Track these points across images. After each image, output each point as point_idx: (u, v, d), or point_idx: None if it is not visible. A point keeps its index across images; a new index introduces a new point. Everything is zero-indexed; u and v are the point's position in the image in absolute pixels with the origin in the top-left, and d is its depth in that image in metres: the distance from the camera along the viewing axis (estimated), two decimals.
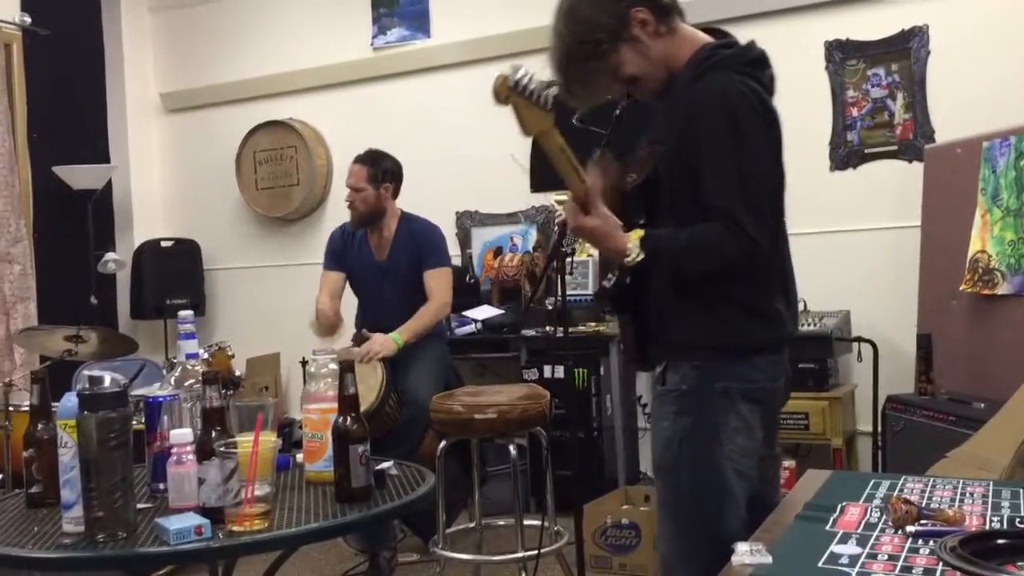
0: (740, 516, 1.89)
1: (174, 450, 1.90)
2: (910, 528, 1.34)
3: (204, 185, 6.10)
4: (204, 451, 1.86)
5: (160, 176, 6.29)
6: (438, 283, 3.91)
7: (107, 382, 1.80)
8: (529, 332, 4.65)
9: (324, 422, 2.10)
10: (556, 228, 4.87)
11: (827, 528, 1.41)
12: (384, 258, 3.99)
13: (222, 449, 1.80)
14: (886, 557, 1.26)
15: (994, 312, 3.44)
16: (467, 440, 3.48)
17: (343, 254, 4.06)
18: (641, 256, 1.85)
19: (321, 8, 5.68)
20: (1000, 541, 1.24)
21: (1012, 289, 3.34)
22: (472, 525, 3.70)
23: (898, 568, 1.22)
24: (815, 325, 4.01)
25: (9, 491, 3.16)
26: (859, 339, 4.03)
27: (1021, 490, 1.56)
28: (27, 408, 2.69)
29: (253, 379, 5.14)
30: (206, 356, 2.98)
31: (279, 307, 5.74)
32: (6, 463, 3.42)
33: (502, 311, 4.76)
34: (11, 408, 3.48)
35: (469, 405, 3.27)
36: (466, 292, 4.86)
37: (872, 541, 1.33)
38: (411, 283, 3.93)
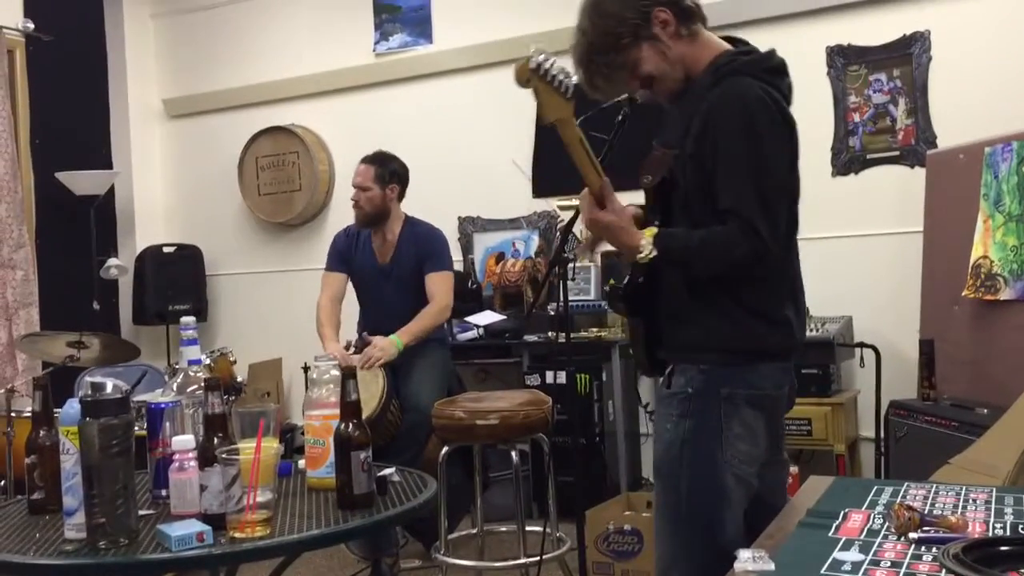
0: (738, 521, 1.89)
1: (176, 456, 1.90)
2: (913, 535, 1.34)
3: (206, 191, 6.11)
4: (206, 457, 1.86)
5: (162, 182, 6.30)
6: (439, 287, 3.92)
7: (109, 388, 1.80)
8: (531, 338, 4.64)
9: (326, 428, 2.10)
10: (558, 233, 4.89)
11: (830, 535, 1.40)
12: (387, 261, 4.00)
13: (224, 456, 1.80)
14: (889, 564, 1.26)
15: (996, 318, 3.43)
16: (469, 446, 3.48)
17: (346, 256, 4.07)
18: (654, 253, 1.86)
19: (323, 14, 5.69)
20: (1003, 548, 1.24)
21: (1014, 295, 3.34)
22: (474, 531, 3.70)
23: (901, 575, 1.22)
24: (817, 331, 4.00)
25: (11, 497, 3.16)
26: (862, 345, 4.03)
27: None
28: (29, 414, 2.69)
29: (255, 385, 5.15)
30: (208, 362, 2.98)
31: (281, 313, 5.75)
32: (8, 469, 3.42)
33: (504, 316, 4.76)
34: (13, 414, 3.48)
35: (471, 411, 3.27)
36: (468, 297, 4.86)
37: (875, 548, 1.33)
38: (413, 286, 3.93)
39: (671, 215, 1.96)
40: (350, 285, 4.10)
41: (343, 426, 2.00)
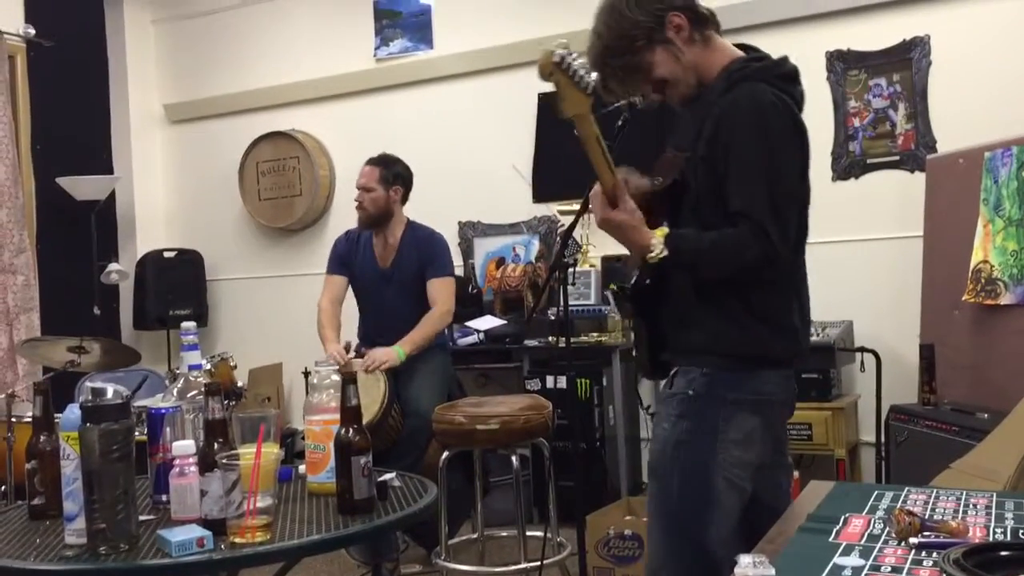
0: (728, 525, 1.90)
1: (176, 462, 1.90)
2: (913, 540, 1.34)
3: (207, 196, 6.11)
4: (206, 463, 1.86)
5: (163, 187, 6.30)
6: (441, 292, 3.92)
7: (109, 394, 1.80)
8: (531, 342, 4.64)
9: (326, 433, 2.10)
10: (558, 238, 4.89)
11: (830, 540, 1.40)
12: (388, 265, 4.00)
13: (224, 461, 1.80)
14: (889, 569, 1.26)
15: (997, 322, 3.43)
16: (470, 451, 3.48)
17: (347, 260, 4.08)
18: (664, 253, 1.86)
19: (324, 19, 5.70)
20: (1003, 553, 1.24)
21: (1015, 299, 3.34)
22: (475, 536, 3.70)
23: None
24: (818, 335, 4.00)
25: (12, 503, 3.16)
26: (862, 349, 4.03)
27: None
28: (30, 419, 2.69)
29: (256, 390, 5.15)
30: (209, 367, 2.98)
31: (282, 317, 5.76)
32: (9, 475, 3.42)
33: (504, 321, 4.76)
34: (14, 419, 3.48)
35: (471, 416, 3.28)
36: (468, 302, 4.87)
37: (875, 553, 1.32)
38: (414, 291, 3.93)
39: (680, 218, 1.97)
40: (350, 288, 4.11)
41: (343, 431, 2.00)
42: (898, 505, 1.56)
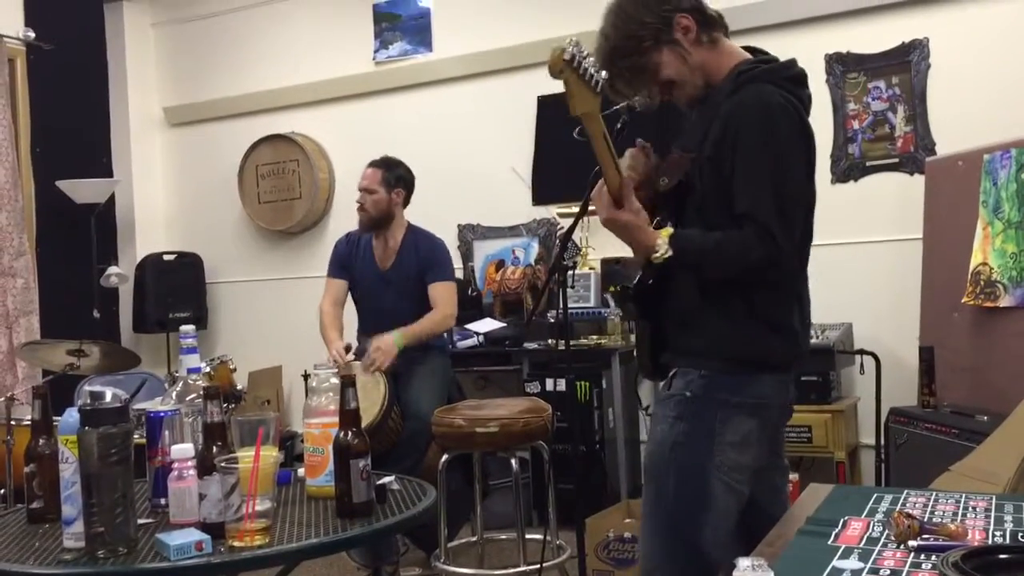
0: (723, 527, 1.90)
1: (175, 465, 1.90)
2: (912, 543, 1.34)
3: (207, 199, 6.11)
4: (205, 466, 1.86)
5: (163, 190, 6.30)
6: (443, 296, 3.91)
7: (108, 397, 1.80)
8: (531, 345, 4.64)
9: (325, 436, 2.10)
10: (558, 241, 4.89)
11: (829, 543, 1.40)
12: (388, 267, 4.00)
13: (223, 464, 1.80)
14: (888, 572, 1.26)
15: (996, 325, 3.43)
16: (469, 454, 3.48)
17: (347, 262, 4.08)
18: (669, 253, 1.86)
19: (323, 22, 5.70)
20: (1002, 556, 1.23)
21: (1014, 302, 3.34)
22: (474, 539, 3.70)
23: None
24: (817, 338, 4.00)
25: (11, 506, 3.16)
26: (861, 352, 4.03)
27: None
28: (29, 423, 2.69)
29: (255, 393, 5.14)
30: (208, 370, 2.98)
31: (281, 320, 5.76)
32: (8, 478, 3.42)
33: (504, 324, 4.77)
34: (13, 422, 3.48)
35: (471, 419, 3.27)
36: (468, 305, 4.86)
37: (874, 556, 1.32)
38: (413, 293, 3.93)
39: (684, 218, 1.97)
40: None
41: (342, 434, 2.00)
42: (897, 508, 1.55)
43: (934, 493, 1.67)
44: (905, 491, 1.68)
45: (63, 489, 1.85)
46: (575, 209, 3.71)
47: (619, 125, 2.06)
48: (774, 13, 4.48)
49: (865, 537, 1.41)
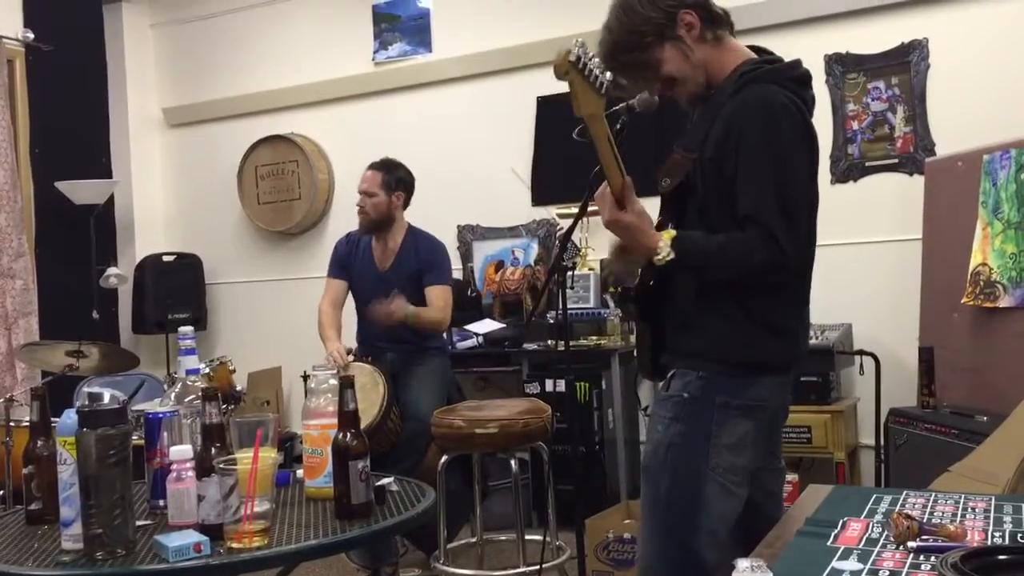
0: (721, 529, 1.89)
1: (174, 467, 1.90)
2: (912, 544, 1.34)
3: (206, 199, 6.11)
4: (204, 468, 1.86)
5: (162, 191, 6.30)
6: (438, 299, 3.91)
7: (106, 399, 1.79)
8: (531, 346, 4.64)
9: (324, 438, 2.10)
10: (557, 241, 4.89)
11: (828, 544, 1.40)
12: (387, 268, 4.00)
13: (221, 466, 1.80)
14: (887, 573, 1.25)
15: (996, 325, 3.43)
16: (468, 455, 3.48)
17: (346, 263, 4.08)
18: (671, 256, 1.86)
19: (323, 23, 5.70)
20: (1002, 557, 1.23)
21: (1014, 302, 3.34)
22: (474, 540, 3.70)
23: None
24: (817, 338, 4.00)
25: (9, 507, 3.16)
26: (861, 352, 4.02)
27: (1023, 505, 1.55)
28: (28, 424, 2.68)
29: (254, 394, 5.14)
30: (207, 371, 2.98)
31: (280, 321, 5.76)
32: (7, 479, 3.42)
33: (503, 325, 4.76)
34: (12, 424, 3.48)
35: (470, 420, 3.27)
36: (468, 306, 4.86)
37: (873, 557, 1.32)
38: (412, 294, 3.93)
39: (686, 219, 1.96)
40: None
41: (341, 436, 1.99)
42: (896, 509, 1.55)
43: (933, 494, 1.67)
44: (904, 492, 1.68)
45: (61, 491, 1.85)
46: (574, 210, 3.71)
47: (619, 125, 2.06)
48: (774, 13, 4.48)
49: (864, 538, 1.41)
